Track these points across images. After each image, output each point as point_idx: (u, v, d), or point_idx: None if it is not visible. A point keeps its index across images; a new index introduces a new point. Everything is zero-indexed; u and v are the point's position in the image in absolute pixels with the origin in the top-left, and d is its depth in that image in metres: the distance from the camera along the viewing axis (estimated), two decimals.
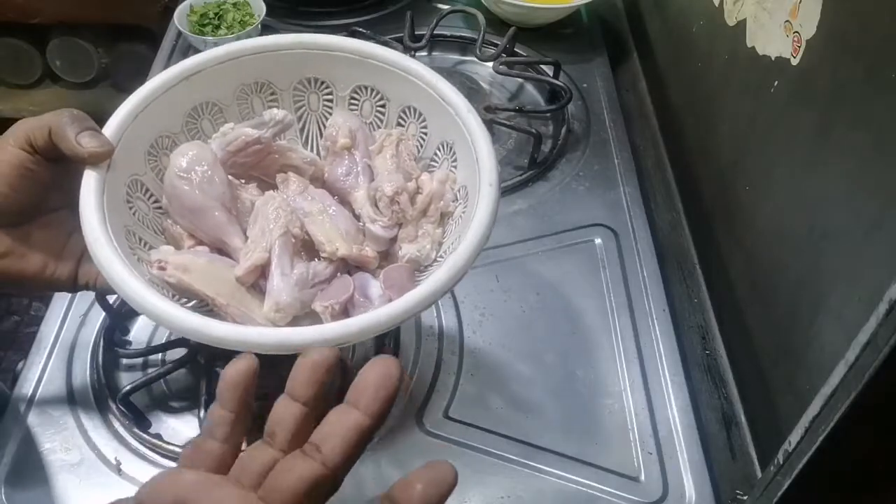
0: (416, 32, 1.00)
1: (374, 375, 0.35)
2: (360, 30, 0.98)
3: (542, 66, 0.99)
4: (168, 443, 0.63)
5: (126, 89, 0.54)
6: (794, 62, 0.64)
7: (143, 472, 0.62)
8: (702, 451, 0.65)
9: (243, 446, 0.38)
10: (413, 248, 0.55)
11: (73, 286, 0.54)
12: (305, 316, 0.52)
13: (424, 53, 1.03)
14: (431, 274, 0.49)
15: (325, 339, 0.44)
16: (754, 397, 0.69)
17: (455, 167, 0.57)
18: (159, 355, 0.69)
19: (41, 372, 0.67)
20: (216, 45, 0.61)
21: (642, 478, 0.64)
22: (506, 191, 0.85)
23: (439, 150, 0.59)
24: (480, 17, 0.99)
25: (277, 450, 0.36)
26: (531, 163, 0.88)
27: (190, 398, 0.67)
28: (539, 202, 0.85)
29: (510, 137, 0.92)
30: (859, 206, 0.54)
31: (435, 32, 1.00)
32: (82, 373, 0.67)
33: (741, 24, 0.75)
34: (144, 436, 0.63)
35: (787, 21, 0.65)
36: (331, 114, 0.61)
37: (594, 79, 1.02)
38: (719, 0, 0.81)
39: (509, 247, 0.80)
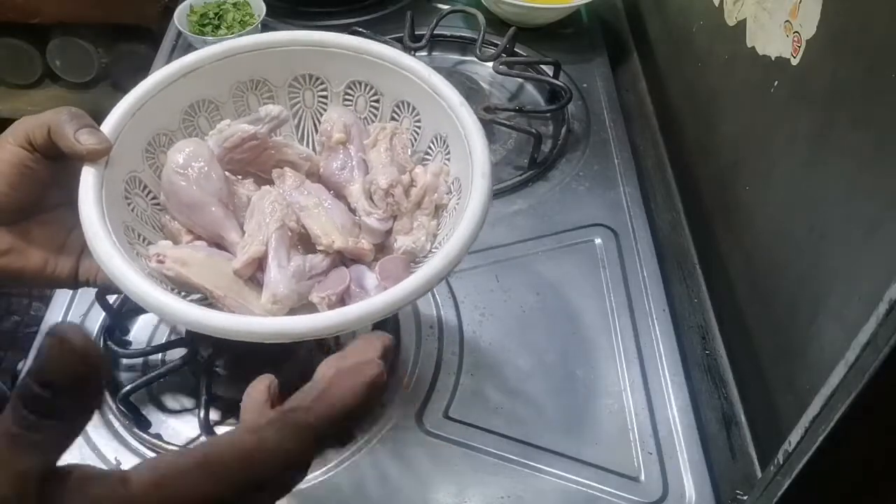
0: (416, 32, 1.00)
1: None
2: (360, 30, 0.98)
3: (542, 66, 0.99)
4: (168, 443, 0.63)
5: (126, 89, 0.55)
6: (794, 62, 0.64)
7: None
8: (702, 451, 0.65)
9: None
10: (408, 240, 0.56)
11: (73, 283, 0.54)
12: (302, 308, 0.52)
13: (424, 53, 1.03)
14: (426, 263, 0.50)
15: (324, 328, 0.45)
16: (754, 397, 0.69)
17: (448, 160, 0.58)
18: (159, 355, 0.69)
19: None
20: None
21: (642, 478, 0.64)
22: (506, 191, 0.85)
23: (433, 144, 0.60)
24: (480, 17, 0.99)
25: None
26: (531, 163, 0.88)
27: (190, 398, 0.67)
28: (539, 202, 0.85)
29: (510, 137, 0.92)
30: (859, 206, 0.54)
31: (435, 32, 1.00)
32: None
33: (741, 24, 0.75)
34: (144, 436, 0.64)
35: (787, 21, 0.65)
36: (325, 110, 0.61)
37: (594, 79, 1.02)
38: (719, 0, 0.81)
39: (509, 247, 0.80)
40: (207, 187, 0.53)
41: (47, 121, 0.49)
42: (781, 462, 0.47)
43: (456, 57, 1.04)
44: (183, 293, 0.52)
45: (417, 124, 0.60)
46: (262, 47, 0.59)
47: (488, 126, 0.92)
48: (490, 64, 0.97)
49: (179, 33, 1.01)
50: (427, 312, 0.73)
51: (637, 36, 1.12)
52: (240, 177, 0.58)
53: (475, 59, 0.99)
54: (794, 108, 0.64)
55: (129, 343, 0.71)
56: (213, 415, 0.65)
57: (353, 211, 0.57)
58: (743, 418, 0.69)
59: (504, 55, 0.95)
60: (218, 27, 1.00)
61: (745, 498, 0.63)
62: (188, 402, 0.67)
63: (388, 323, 0.72)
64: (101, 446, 0.63)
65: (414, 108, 0.60)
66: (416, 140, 0.61)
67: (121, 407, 0.64)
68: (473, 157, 0.54)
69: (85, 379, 0.29)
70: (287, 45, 0.59)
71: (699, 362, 0.75)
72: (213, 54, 0.57)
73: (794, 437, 0.45)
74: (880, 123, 0.52)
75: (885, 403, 0.41)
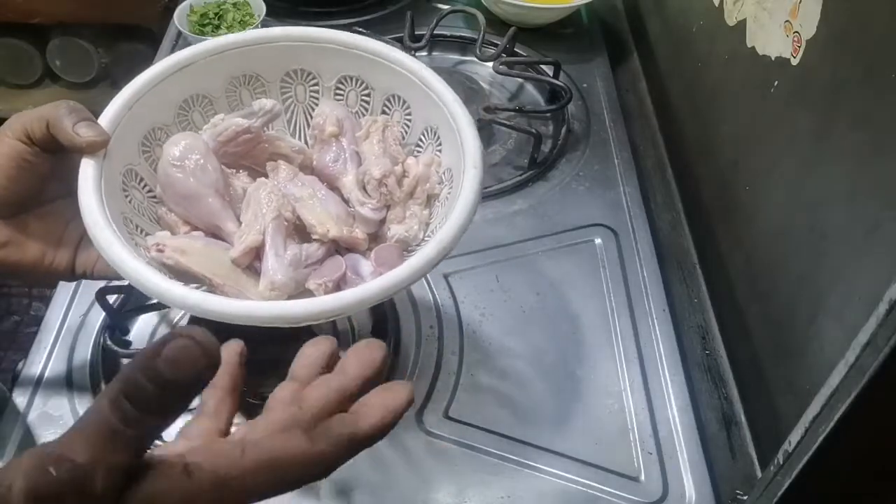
0: (416, 32, 1.00)
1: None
2: (360, 30, 0.97)
3: (542, 66, 0.99)
4: (168, 443, 0.63)
5: None
6: (794, 62, 0.64)
7: None
8: (702, 451, 0.65)
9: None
10: (401, 229, 0.57)
11: (71, 274, 0.55)
12: (299, 296, 0.53)
13: (424, 53, 1.03)
14: (420, 250, 0.51)
15: (322, 311, 0.46)
16: (754, 397, 0.69)
17: (440, 151, 0.59)
18: None
19: (41, 372, 0.67)
20: None
21: (642, 478, 0.64)
22: (506, 191, 0.85)
23: (423, 136, 0.61)
24: (480, 17, 0.99)
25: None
26: (531, 163, 0.88)
27: None
28: (539, 202, 0.85)
29: (510, 137, 0.92)
30: (859, 206, 0.54)
31: (435, 32, 1.00)
32: (82, 373, 0.67)
33: (741, 24, 0.75)
34: None
35: (787, 21, 0.65)
36: (317, 104, 0.62)
37: (594, 79, 1.02)
38: (719, 0, 0.81)
39: (509, 247, 0.80)
40: (204, 179, 0.54)
41: (45, 114, 0.49)
42: (781, 462, 0.47)
43: (456, 57, 1.04)
44: (181, 282, 0.52)
45: (408, 117, 0.61)
46: (254, 43, 0.60)
47: (488, 126, 0.92)
48: (490, 64, 0.97)
49: (179, 33, 1.01)
50: (427, 313, 0.73)
51: (637, 36, 1.12)
52: (234, 170, 0.59)
53: (475, 59, 0.99)
54: (794, 108, 0.64)
55: (130, 343, 0.71)
56: None
57: (346, 201, 0.58)
58: (743, 418, 0.69)
59: (504, 55, 0.95)
60: (218, 27, 1.00)
61: (745, 498, 0.63)
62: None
63: (388, 322, 0.72)
64: None
65: (404, 102, 0.61)
66: (406, 133, 0.62)
67: None
68: (465, 148, 0.55)
69: (206, 382, 0.29)
70: (279, 40, 0.60)
71: (699, 362, 0.75)
72: (207, 50, 0.58)
73: (794, 437, 0.45)
74: (880, 123, 0.52)
75: (885, 403, 0.41)
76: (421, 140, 0.61)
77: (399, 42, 0.98)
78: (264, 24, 1.01)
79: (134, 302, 0.71)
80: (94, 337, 0.70)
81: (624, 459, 0.65)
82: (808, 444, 0.44)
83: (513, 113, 0.94)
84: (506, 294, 0.76)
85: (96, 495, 0.28)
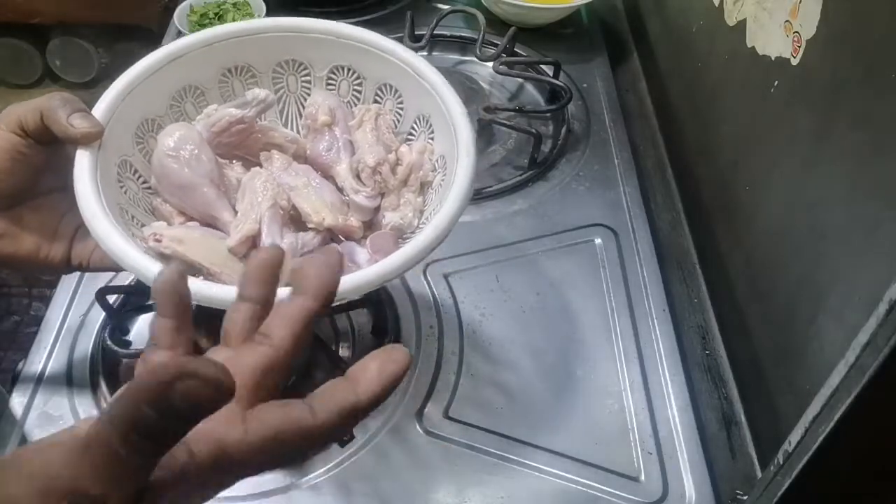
0: (416, 32, 1.00)
1: (318, 263, 0.37)
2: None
3: (542, 66, 0.99)
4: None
5: None
6: (794, 62, 0.64)
7: None
8: (702, 451, 0.65)
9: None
10: (396, 216, 0.58)
11: (66, 267, 0.55)
12: None
13: (424, 53, 1.02)
14: (416, 236, 0.51)
15: None
16: (754, 397, 0.69)
17: (432, 139, 0.60)
18: None
19: (41, 372, 0.67)
20: None
21: (642, 478, 0.64)
22: (506, 191, 0.85)
23: (416, 124, 0.61)
24: (480, 17, 0.99)
25: (233, 347, 0.36)
26: (531, 163, 0.88)
27: None
28: (539, 202, 0.85)
29: (510, 137, 0.92)
30: (859, 206, 0.54)
31: (435, 32, 1.00)
32: (82, 373, 0.67)
33: (741, 24, 0.75)
34: None
35: (787, 21, 0.65)
36: (309, 95, 0.63)
37: (594, 79, 1.02)
38: (719, 0, 0.81)
39: (509, 247, 0.80)
40: (199, 169, 0.55)
41: (39, 106, 0.49)
42: (781, 462, 0.47)
43: (456, 57, 1.04)
44: None
45: (400, 106, 0.62)
46: (246, 34, 0.60)
47: (488, 126, 0.92)
48: (490, 64, 0.96)
49: (179, 33, 1.01)
50: (427, 312, 0.73)
51: (637, 36, 1.12)
52: (228, 161, 0.59)
53: (475, 59, 0.99)
54: (794, 108, 0.64)
55: (130, 343, 0.71)
56: None
57: (340, 190, 0.59)
58: (743, 418, 0.69)
59: (504, 55, 0.95)
60: None
61: (745, 498, 0.63)
62: None
63: (388, 322, 0.72)
64: None
65: (396, 91, 0.61)
66: (399, 121, 0.62)
67: None
68: (458, 134, 0.55)
69: (214, 410, 0.29)
70: (270, 31, 0.60)
71: (699, 362, 0.75)
72: (199, 41, 0.59)
73: (794, 437, 0.45)
74: (880, 123, 0.52)
75: (885, 403, 0.41)
76: (413, 128, 0.62)
77: (399, 42, 0.97)
78: None
79: (134, 302, 0.71)
80: (94, 337, 0.70)
81: (624, 459, 0.65)
82: (808, 444, 0.44)
83: (513, 113, 0.94)
84: (506, 294, 0.76)
85: None
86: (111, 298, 0.69)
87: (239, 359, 0.34)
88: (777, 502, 0.47)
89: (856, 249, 0.54)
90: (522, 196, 0.86)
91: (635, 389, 0.69)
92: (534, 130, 0.87)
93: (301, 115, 0.63)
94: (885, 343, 0.38)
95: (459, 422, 0.66)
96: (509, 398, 0.68)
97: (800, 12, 0.63)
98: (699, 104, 0.88)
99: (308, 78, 0.63)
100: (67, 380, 0.67)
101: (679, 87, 0.95)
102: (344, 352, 0.71)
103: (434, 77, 0.58)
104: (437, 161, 0.59)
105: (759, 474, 0.64)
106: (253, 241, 0.54)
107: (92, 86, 1.79)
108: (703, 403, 0.72)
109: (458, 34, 1.04)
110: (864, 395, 0.40)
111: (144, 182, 0.57)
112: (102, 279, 0.72)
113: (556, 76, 0.97)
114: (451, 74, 1.00)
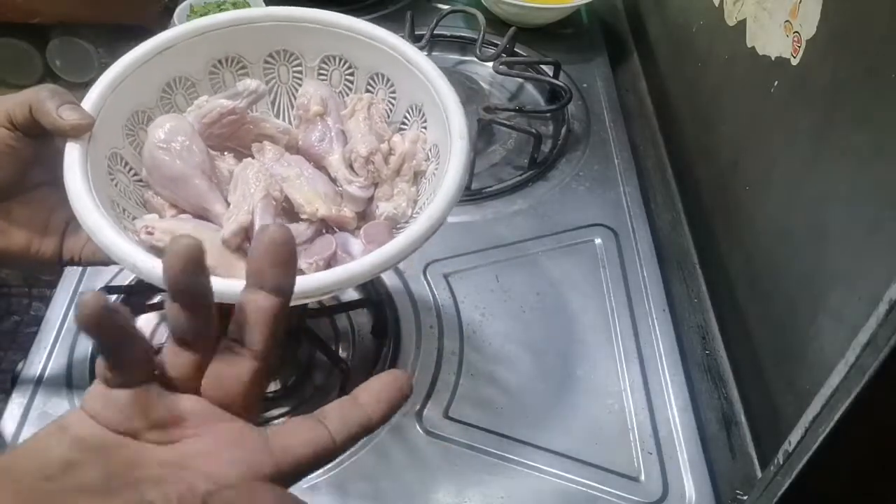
0: (417, 32, 1.00)
1: (265, 245, 0.34)
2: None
3: (542, 66, 0.99)
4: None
5: None
6: (794, 62, 0.64)
7: None
8: (702, 451, 0.65)
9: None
10: (389, 206, 0.57)
11: (58, 261, 0.54)
12: None
13: (424, 53, 1.02)
14: (410, 226, 0.51)
15: (316, 288, 0.46)
16: (754, 397, 0.69)
17: (425, 128, 0.59)
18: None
19: (41, 372, 0.67)
20: None
21: (642, 478, 0.64)
22: (506, 191, 0.85)
23: (408, 113, 0.61)
24: (480, 17, 0.99)
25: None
26: (531, 163, 0.88)
27: None
28: (539, 202, 0.85)
29: (510, 137, 0.92)
30: (859, 206, 0.54)
31: (435, 32, 1.00)
32: (82, 373, 0.67)
33: (741, 24, 0.75)
34: None
35: (787, 21, 0.65)
36: (300, 85, 0.62)
37: (594, 79, 1.02)
38: (719, 0, 0.81)
39: (509, 247, 0.80)
40: (190, 161, 0.54)
41: (27, 99, 0.49)
42: (781, 462, 0.47)
43: (456, 57, 1.04)
44: None
45: (392, 95, 0.61)
46: (235, 23, 0.59)
47: (488, 126, 0.92)
48: (490, 64, 0.96)
49: None
50: (427, 312, 0.73)
51: (637, 36, 1.12)
52: (220, 152, 0.59)
53: (475, 59, 0.99)
54: (794, 108, 0.64)
55: None
56: None
57: (333, 180, 0.58)
58: (743, 418, 0.69)
59: (504, 55, 0.95)
60: None
61: (745, 498, 0.63)
62: None
63: (388, 322, 0.72)
64: None
65: (388, 80, 0.61)
66: (391, 111, 0.62)
67: None
68: (451, 121, 0.55)
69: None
70: (261, 20, 0.60)
71: (699, 362, 0.75)
72: (189, 31, 0.58)
73: (794, 437, 0.45)
74: (880, 123, 0.52)
75: (885, 403, 0.41)
76: (406, 117, 0.61)
77: None
78: None
79: (134, 302, 0.71)
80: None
81: (624, 459, 0.65)
82: (808, 444, 0.44)
83: (513, 113, 0.94)
84: (506, 294, 0.76)
85: None
86: (111, 299, 0.69)
87: (226, 371, 0.35)
88: (777, 502, 0.47)
89: (856, 249, 0.54)
90: (522, 196, 0.86)
91: (635, 389, 0.69)
92: (534, 130, 0.87)
93: (293, 106, 0.63)
94: (885, 343, 0.38)
95: (459, 422, 0.66)
96: (509, 398, 0.68)
97: (800, 12, 0.63)
98: (699, 104, 0.88)
99: (299, 68, 0.62)
100: (67, 380, 0.67)
101: (679, 87, 0.95)
102: (344, 352, 0.71)
103: (426, 65, 0.58)
104: (430, 150, 0.59)
105: (759, 474, 0.64)
106: (246, 234, 0.53)
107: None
108: (703, 403, 0.72)
109: (458, 34, 1.04)
110: (864, 395, 0.40)
111: (135, 174, 0.56)
112: (103, 279, 0.72)
113: (556, 76, 0.97)
114: (451, 74, 0.99)
